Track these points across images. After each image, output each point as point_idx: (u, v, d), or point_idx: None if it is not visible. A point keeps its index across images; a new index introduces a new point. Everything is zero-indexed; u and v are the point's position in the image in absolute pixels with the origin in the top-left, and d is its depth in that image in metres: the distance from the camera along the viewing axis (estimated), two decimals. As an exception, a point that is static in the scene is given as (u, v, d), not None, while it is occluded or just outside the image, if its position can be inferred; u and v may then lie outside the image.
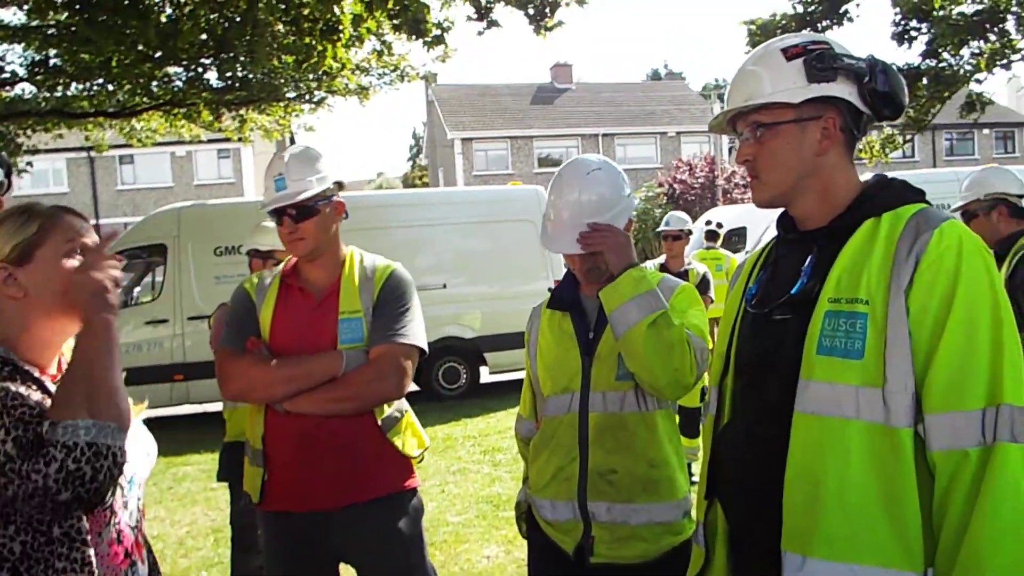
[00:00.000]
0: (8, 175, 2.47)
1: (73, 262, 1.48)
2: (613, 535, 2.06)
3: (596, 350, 2.14)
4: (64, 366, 1.51)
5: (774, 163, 1.50)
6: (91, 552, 1.39)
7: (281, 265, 2.54)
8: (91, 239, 1.53)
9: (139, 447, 1.59)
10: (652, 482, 2.08)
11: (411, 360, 2.36)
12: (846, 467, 1.32)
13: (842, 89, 1.44)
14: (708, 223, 10.48)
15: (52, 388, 1.46)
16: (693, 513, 2.03)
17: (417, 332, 2.40)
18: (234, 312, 2.44)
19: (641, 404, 2.09)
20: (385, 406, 2.40)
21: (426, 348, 2.43)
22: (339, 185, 2.44)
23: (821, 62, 1.43)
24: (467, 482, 6.14)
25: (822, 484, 1.33)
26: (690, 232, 6.06)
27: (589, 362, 2.13)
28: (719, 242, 9.34)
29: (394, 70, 9.67)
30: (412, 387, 8.64)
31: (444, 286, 9.59)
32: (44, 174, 28.64)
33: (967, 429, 1.24)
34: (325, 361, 2.28)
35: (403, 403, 2.49)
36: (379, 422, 2.37)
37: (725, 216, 17.92)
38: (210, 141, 22.25)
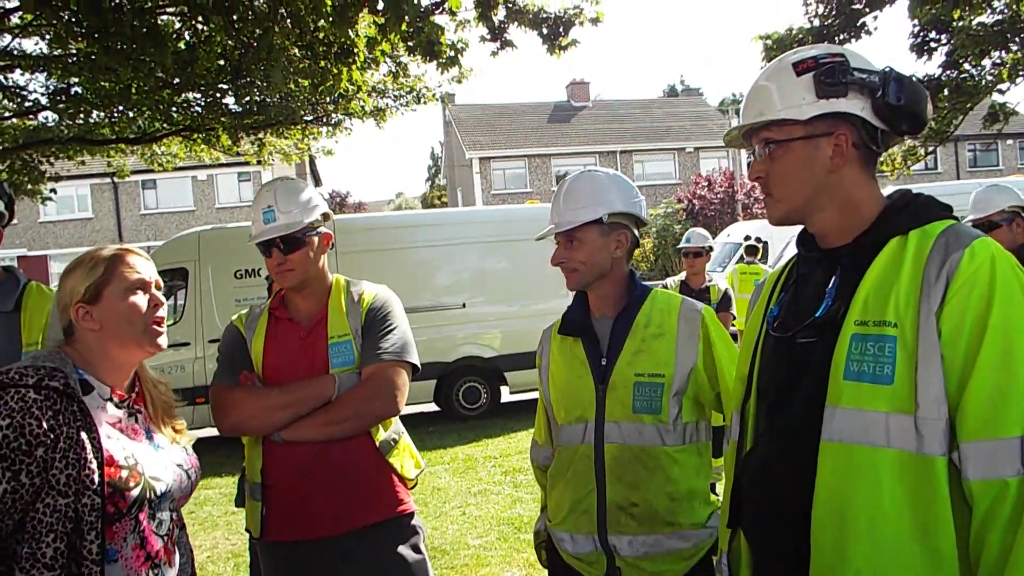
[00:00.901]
0: (9, 206, 2.49)
1: (137, 297, 1.72)
2: (639, 569, 2.00)
3: (610, 379, 2.04)
4: (139, 386, 1.82)
5: (785, 180, 1.46)
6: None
7: (268, 299, 2.55)
8: (148, 275, 1.77)
9: (173, 468, 1.77)
10: (673, 514, 2.00)
11: (403, 377, 2.36)
12: (877, 498, 1.26)
13: (853, 104, 1.39)
14: (747, 238, 10.49)
15: (119, 405, 1.72)
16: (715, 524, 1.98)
17: (407, 348, 2.40)
18: (225, 348, 2.46)
19: (664, 438, 2.00)
20: (382, 429, 2.40)
21: (418, 363, 2.43)
22: (326, 216, 2.47)
23: (831, 77, 1.38)
24: (488, 503, 6.08)
25: (851, 516, 1.28)
26: (711, 249, 6.00)
27: (603, 391, 2.04)
28: (759, 256, 9.28)
29: (410, 92, 9.74)
30: (432, 407, 8.59)
31: (463, 305, 9.57)
32: (69, 200, 29.14)
33: (1006, 458, 1.18)
34: (318, 385, 2.29)
35: (399, 427, 2.50)
36: (376, 445, 2.36)
37: (745, 231, 17.87)
38: (231, 165, 22.49)
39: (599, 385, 2.05)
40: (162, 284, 1.84)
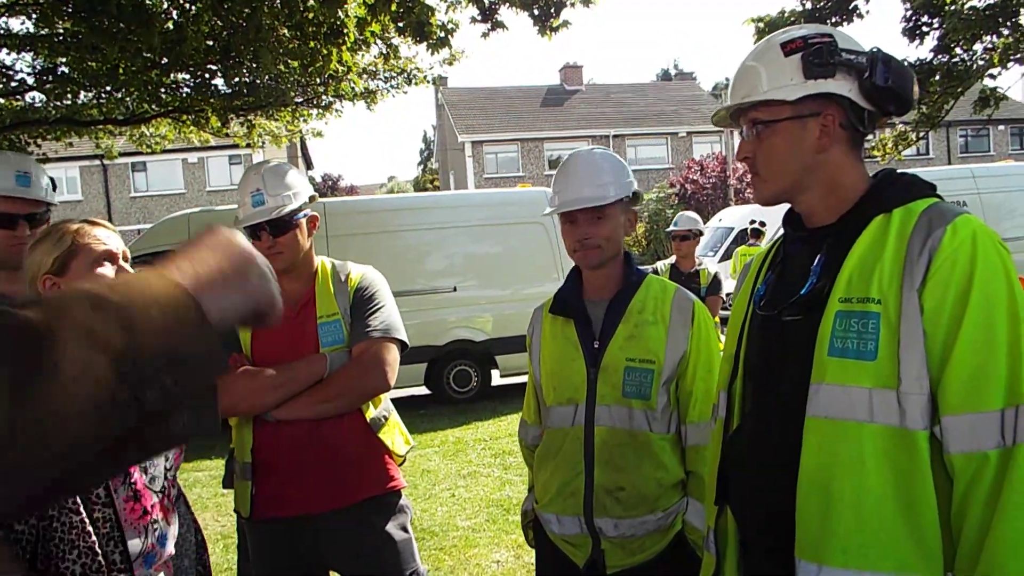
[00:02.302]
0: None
1: (104, 269, 1.71)
2: (624, 548, 2.03)
3: (602, 362, 2.03)
4: None
5: (772, 160, 1.46)
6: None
7: None
8: (115, 246, 1.76)
9: None
10: (658, 500, 2.02)
11: (393, 353, 2.38)
12: (861, 472, 1.28)
13: (841, 85, 1.39)
14: (752, 221, 10.55)
15: None
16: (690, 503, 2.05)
17: (395, 325, 2.43)
18: None
19: (652, 425, 2.01)
20: (372, 406, 2.42)
21: (407, 340, 2.45)
22: (312, 198, 2.47)
23: (819, 58, 1.38)
24: (477, 486, 6.10)
25: (836, 490, 1.30)
26: (700, 232, 6.00)
27: (595, 374, 2.03)
28: (763, 240, 9.31)
29: (401, 73, 9.66)
30: (423, 390, 8.59)
31: (455, 289, 9.57)
32: (58, 182, 28.72)
33: (986, 431, 1.20)
34: (309, 364, 2.30)
35: (388, 405, 2.52)
36: (368, 422, 2.39)
37: (736, 216, 17.90)
38: (221, 147, 22.32)
39: (591, 368, 2.04)
40: (130, 256, 1.84)
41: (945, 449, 1.24)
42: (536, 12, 6.65)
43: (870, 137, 1.54)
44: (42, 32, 7.44)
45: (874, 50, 1.40)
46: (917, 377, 1.25)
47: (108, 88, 8.47)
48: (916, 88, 1.43)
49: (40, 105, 9.26)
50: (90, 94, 8.89)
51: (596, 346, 2.06)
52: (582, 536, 2.05)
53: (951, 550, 1.24)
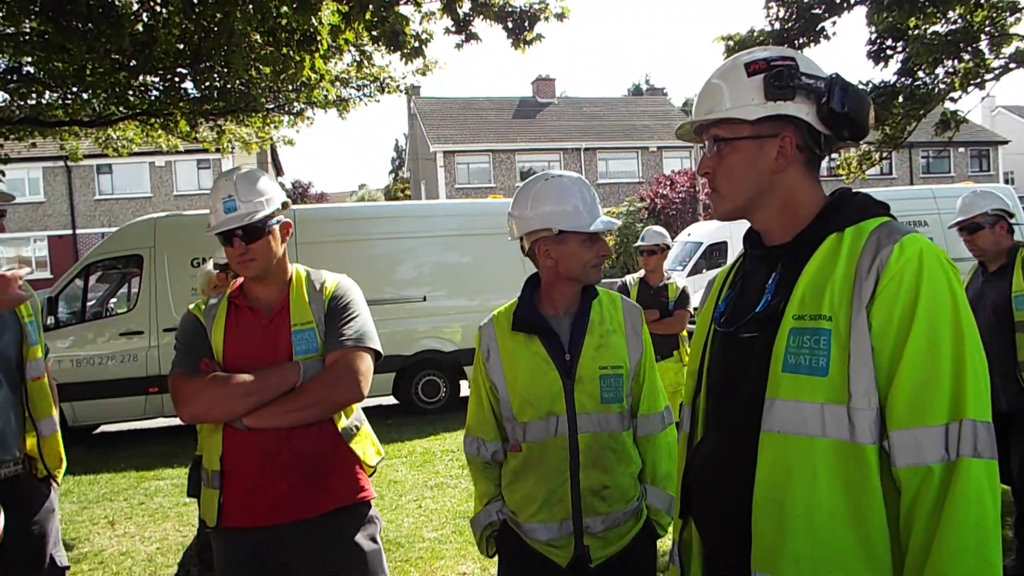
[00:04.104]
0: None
1: None
2: (605, 540, 2.15)
3: (576, 373, 2.15)
4: None
5: (731, 177, 1.49)
6: None
7: (228, 288, 2.53)
8: None
9: None
10: (631, 488, 2.20)
11: (366, 362, 2.37)
12: (813, 486, 1.30)
13: (799, 108, 1.42)
14: None
15: None
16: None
17: (369, 334, 2.41)
18: (184, 335, 2.42)
19: (626, 424, 2.21)
20: (344, 416, 2.40)
21: (380, 350, 2.44)
22: (285, 205, 2.46)
23: (779, 80, 1.41)
24: (444, 497, 6.08)
25: (789, 503, 1.32)
26: (668, 246, 6.06)
27: (570, 385, 2.14)
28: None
29: (374, 81, 9.65)
30: (391, 400, 8.52)
31: (424, 299, 9.55)
32: (19, 183, 28.29)
33: (930, 445, 1.23)
34: (282, 373, 2.28)
35: (360, 415, 2.51)
36: (339, 431, 2.37)
37: (704, 231, 18.10)
38: (190, 152, 22.00)
39: (566, 380, 2.14)
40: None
41: (892, 463, 1.26)
42: (510, 25, 6.70)
43: (835, 156, 1.59)
44: (8, 30, 7.32)
45: (833, 76, 1.43)
46: (865, 392, 1.28)
47: (74, 89, 8.36)
48: (872, 115, 1.47)
49: (3, 104, 9.08)
50: (55, 94, 8.75)
51: (567, 359, 2.16)
52: (565, 538, 2.14)
53: (900, 561, 1.27)
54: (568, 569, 2.13)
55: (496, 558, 2.32)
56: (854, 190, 1.51)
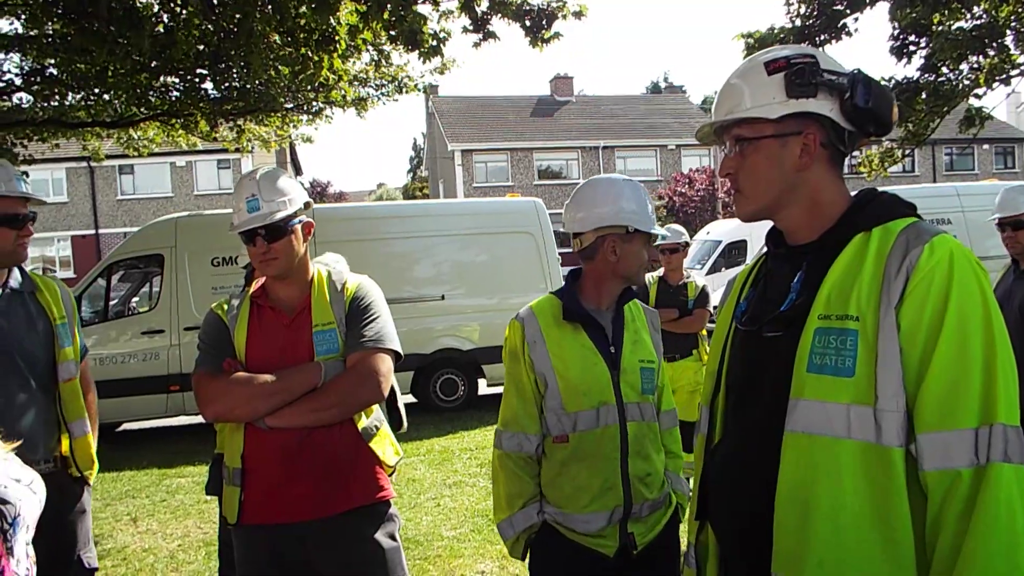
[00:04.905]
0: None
1: None
2: (646, 524, 2.25)
3: (621, 364, 2.26)
4: None
5: (754, 177, 1.48)
6: None
7: (250, 288, 2.54)
8: None
9: (21, 485, 1.39)
10: (663, 474, 2.34)
11: (387, 363, 2.38)
12: (838, 488, 1.28)
13: (822, 105, 1.41)
14: None
15: None
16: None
17: (390, 336, 2.43)
18: (207, 335, 2.44)
19: (655, 415, 2.36)
20: (364, 416, 2.42)
21: (401, 351, 2.46)
22: (307, 205, 2.47)
23: (800, 77, 1.39)
24: (463, 495, 6.08)
25: (813, 505, 1.30)
26: (687, 244, 6.02)
27: (616, 375, 2.24)
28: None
29: (392, 81, 9.67)
30: (409, 399, 8.54)
31: (442, 297, 9.56)
32: (43, 184, 28.69)
33: (960, 449, 1.21)
34: (304, 373, 2.29)
35: (380, 415, 2.52)
36: (359, 431, 2.39)
37: (723, 229, 17.99)
38: (210, 152, 22.19)
39: (612, 370, 2.24)
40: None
41: (920, 466, 1.24)
42: (528, 23, 6.68)
43: (857, 153, 1.56)
44: (31, 33, 7.41)
45: (855, 71, 1.41)
46: (893, 394, 1.25)
47: (96, 90, 8.44)
48: (896, 110, 1.45)
49: (27, 106, 9.20)
50: (78, 96, 8.85)
51: (612, 351, 2.26)
52: (612, 527, 2.20)
53: (926, 567, 1.24)
54: (613, 559, 2.19)
55: (527, 560, 2.29)
56: (879, 188, 1.49)
